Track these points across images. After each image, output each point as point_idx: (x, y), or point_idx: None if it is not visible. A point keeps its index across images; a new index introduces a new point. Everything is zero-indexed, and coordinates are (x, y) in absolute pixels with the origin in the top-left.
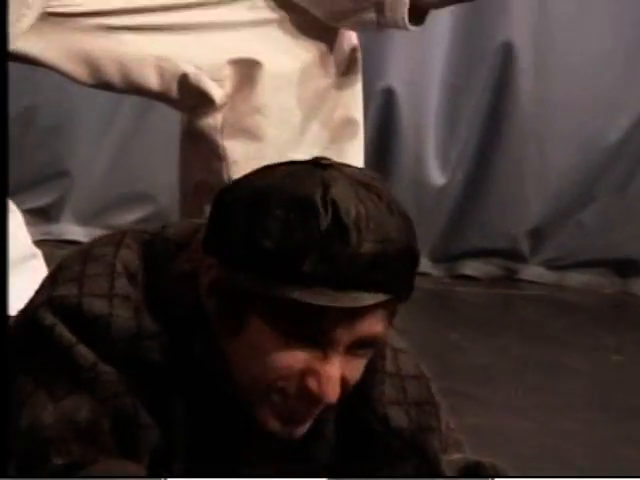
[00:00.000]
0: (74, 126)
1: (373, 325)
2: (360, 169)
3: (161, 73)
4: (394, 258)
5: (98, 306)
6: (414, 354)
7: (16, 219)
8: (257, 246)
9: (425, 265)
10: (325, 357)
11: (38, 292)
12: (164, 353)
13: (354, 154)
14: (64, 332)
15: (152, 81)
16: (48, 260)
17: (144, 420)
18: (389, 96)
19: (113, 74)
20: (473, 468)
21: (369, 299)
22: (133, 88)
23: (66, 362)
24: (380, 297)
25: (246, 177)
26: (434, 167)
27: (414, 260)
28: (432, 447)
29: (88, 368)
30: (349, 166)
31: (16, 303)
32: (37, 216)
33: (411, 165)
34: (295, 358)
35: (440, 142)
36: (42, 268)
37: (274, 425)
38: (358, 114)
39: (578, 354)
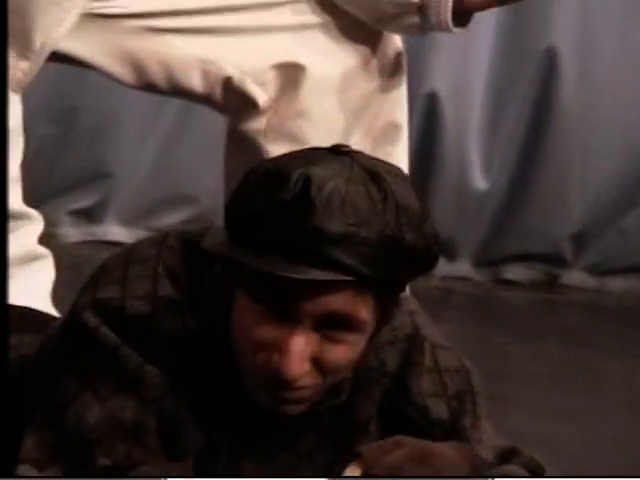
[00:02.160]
0: (118, 127)
1: (340, 304)
2: (385, 163)
3: (205, 76)
4: (368, 243)
5: (141, 308)
6: (455, 350)
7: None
8: (229, 212)
9: (468, 269)
10: (290, 333)
11: (81, 294)
12: (207, 354)
13: (398, 158)
14: (108, 334)
15: (196, 83)
16: (91, 261)
17: (188, 421)
18: (433, 101)
19: (157, 76)
20: (509, 453)
21: (321, 275)
22: (177, 90)
23: (111, 363)
24: (338, 276)
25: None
26: (477, 172)
27: (404, 252)
28: (468, 435)
29: (133, 369)
30: (372, 158)
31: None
32: (80, 217)
33: (454, 170)
34: (266, 332)
35: (483, 147)
36: (48, 269)
37: (264, 400)
38: (402, 118)
39: (619, 359)
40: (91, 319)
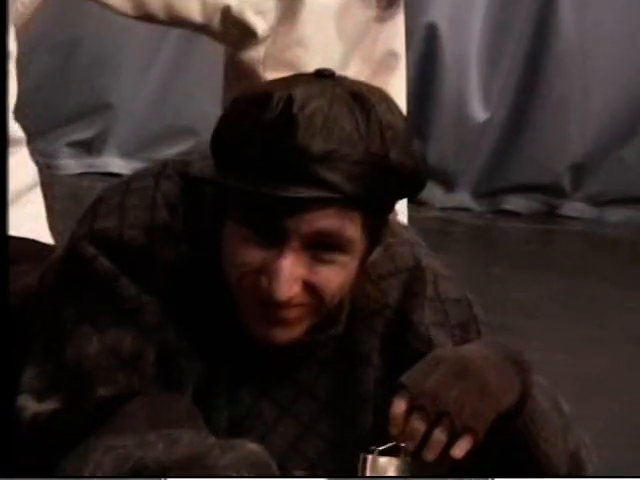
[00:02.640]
0: (118, 59)
1: (327, 222)
2: (369, 85)
3: (204, 5)
4: (351, 161)
5: (139, 238)
6: (456, 279)
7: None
8: (215, 137)
9: (467, 200)
10: (277, 254)
11: (79, 224)
12: (205, 283)
13: (397, 87)
14: (106, 264)
15: (194, 13)
16: (90, 193)
17: (187, 350)
18: (432, 32)
19: (156, 6)
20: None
21: (306, 193)
22: (176, 20)
23: (109, 293)
24: (322, 194)
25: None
26: (476, 102)
27: (390, 171)
28: None
29: (131, 299)
30: (356, 81)
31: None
32: (80, 149)
33: (453, 101)
34: (252, 255)
35: (482, 78)
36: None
37: (256, 327)
38: (400, 47)
39: (618, 288)
40: (89, 249)
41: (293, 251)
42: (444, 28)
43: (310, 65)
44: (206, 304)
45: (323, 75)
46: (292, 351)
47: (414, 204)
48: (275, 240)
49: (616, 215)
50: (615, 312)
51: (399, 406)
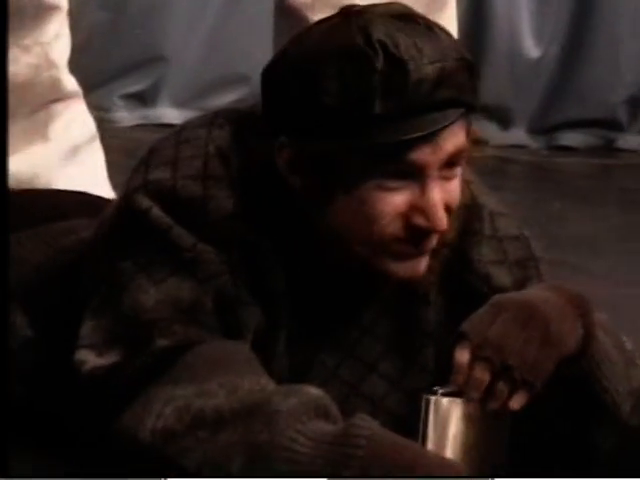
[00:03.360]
0: (168, 10)
1: (455, 141)
2: (392, 3)
3: None
4: (454, 72)
5: (192, 188)
6: (513, 216)
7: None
8: (323, 108)
9: (523, 137)
10: (422, 189)
11: (132, 177)
12: (260, 231)
13: (446, 24)
14: (161, 215)
15: None
16: (145, 145)
17: (245, 298)
18: None
19: None
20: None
21: (448, 117)
22: None
23: (165, 244)
24: (456, 113)
25: (284, 49)
26: (529, 40)
27: (472, 69)
28: None
29: (187, 249)
30: (377, 5)
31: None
32: (134, 101)
33: (506, 39)
34: (395, 201)
35: (534, 15)
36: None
37: (396, 269)
38: None
39: None
40: (143, 201)
41: (434, 180)
42: None
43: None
44: (263, 251)
45: (352, 12)
46: (358, 292)
47: (470, 142)
48: (414, 177)
49: None
50: None
51: (463, 355)
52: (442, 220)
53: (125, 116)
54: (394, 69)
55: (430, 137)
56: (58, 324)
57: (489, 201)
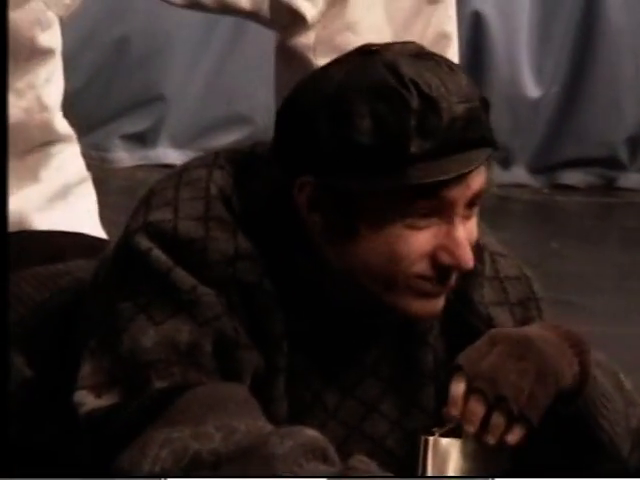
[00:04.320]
0: (169, 50)
1: (481, 180)
2: (405, 42)
3: None
4: (479, 111)
5: (194, 229)
6: (513, 257)
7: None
8: (356, 146)
9: (524, 176)
10: (448, 227)
11: (132, 217)
12: (261, 273)
13: None
14: (161, 256)
15: (243, 0)
16: (145, 185)
17: (244, 341)
18: (478, 19)
19: None
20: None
21: (479, 157)
22: (224, 7)
23: (165, 286)
24: (485, 152)
25: (303, 87)
26: (529, 80)
27: (487, 105)
28: None
29: (187, 291)
30: (393, 43)
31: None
32: (134, 141)
33: (506, 79)
34: (423, 240)
35: (534, 55)
36: (92, 192)
37: (416, 307)
38: (452, 28)
39: None
40: (143, 242)
41: (459, 218)
42: (490, 14)
43: None
44: (264, 294)
45: (371, 51)
46: (360, 334)
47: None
48: (441, 215)
49: None
50: None
51: (457, 388)
52: (469, 258)
53: (125, 157)
54: (428, 108)
55: (460, 177)
56: (56, 364)
57: (489, 242)
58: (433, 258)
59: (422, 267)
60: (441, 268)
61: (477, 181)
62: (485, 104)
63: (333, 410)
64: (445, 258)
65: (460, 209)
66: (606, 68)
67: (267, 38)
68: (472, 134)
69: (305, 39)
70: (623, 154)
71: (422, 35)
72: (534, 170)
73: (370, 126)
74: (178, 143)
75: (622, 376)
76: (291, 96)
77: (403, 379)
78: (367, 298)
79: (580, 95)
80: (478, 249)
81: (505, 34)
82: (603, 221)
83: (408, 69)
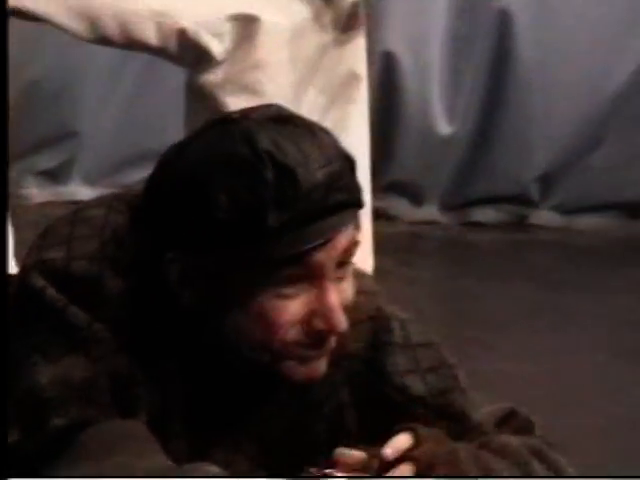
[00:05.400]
0: (80, 88)
1: (348, 238)
2: (266, 106)
3: (159, 28)
4: (342, 173)
5: (86, 267)
6: (418, 322)
7: None
8: (215, 222)
9: (435, 213)
10: (319, 292)
11: (28, 255)
12: (152, 315)
13: (357, 115)
14: (55, 294)
15: (151, 36)
16: None
17: (140, 377)
18: (390, 59)
19: (112, 29)
20: (507, 416)
21: (344, 220)
22: (132, 43)
23: (60, 323)
24: (350, 214)
25: (165, 162)
26: (441, 118)
27: (352, 164)
28: (457, 406)
29: (82, 328)
30: (254, 108)
31: None
32: (46, 178)
33: (418, 117)
34: (294, 308)
35: (446, 93)
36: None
37: (297, 372)
38: (361, 68)
39: (589, 297)
40: (37, 280)
41: (330, 281)
42: (401, 54)
43: (268, 87)
44: (157, 333)
45: (230, 120)
46: (255, 389)
47: (383, 219)
48: (310, 280)
49: (584, 223)
50: (586, 321)
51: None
52: (342, 321)
53: (37, 193)
54: (285, 179)
55: (326, 242)
56: None
57: (395, 310)
58: (307, 324)
59: (297, 334)
60: (316, 334)
61: (344, 241)
62: (351, 163)
63: (235, 447)
64: (319, 324)
65: (330, 272)
66: (517, 106)
67: (179, 74)
68: (335, 198)
69: (213, 77)
70: (534, 191)
71: (332, 74)
72: (446, 207)
73: (226, 201)
74: (90, 180)
75: (544, 446)
76: (155, 170)
77: (292, 441)
78: (249, 363)
79: (491, 133)
80: (384, 319)
81: (417, 73)
82: (514, 258)
83: (264, 138)
